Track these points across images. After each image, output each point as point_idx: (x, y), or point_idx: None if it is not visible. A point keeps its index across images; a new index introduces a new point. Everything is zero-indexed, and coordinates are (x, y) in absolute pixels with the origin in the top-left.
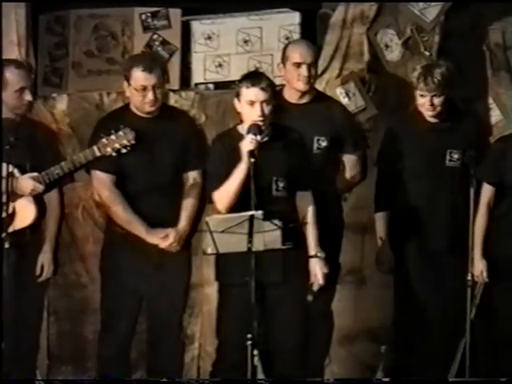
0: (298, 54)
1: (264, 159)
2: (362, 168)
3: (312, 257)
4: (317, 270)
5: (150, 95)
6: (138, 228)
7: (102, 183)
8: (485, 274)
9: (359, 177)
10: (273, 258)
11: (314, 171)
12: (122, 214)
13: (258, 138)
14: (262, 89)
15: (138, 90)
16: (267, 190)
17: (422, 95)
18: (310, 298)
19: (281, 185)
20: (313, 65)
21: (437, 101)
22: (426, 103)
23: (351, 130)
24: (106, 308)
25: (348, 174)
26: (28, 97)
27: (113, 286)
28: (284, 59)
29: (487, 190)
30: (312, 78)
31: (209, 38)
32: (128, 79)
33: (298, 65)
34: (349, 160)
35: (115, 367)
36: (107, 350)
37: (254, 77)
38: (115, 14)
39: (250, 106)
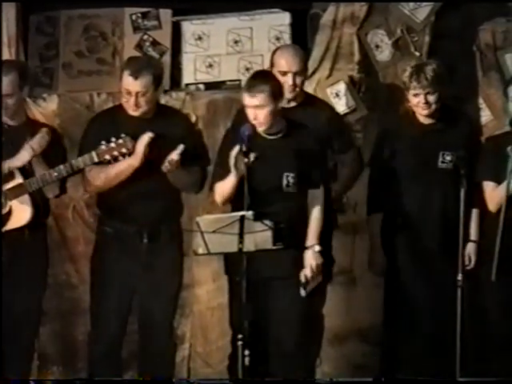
0: (284, 62)
1: (276, 156)
2: (359, 165)
3: (307, 248)
4: (308, 261)
5: (131, 100)
6: (126, 164)
7: (95, 175)
8: (473, 257)
9: (357, 173)
10: (268, 255)
11: (325, 168)
12: (107, 172)
13: (248, 139)
14: (252, 96)
15: (124, 93)
16: (278, 186)
17: (415, 94)
18: (302, 292)
19: (291, 181)
20: (300, 73)
21: (431, 98)
22: (420, 102)
23: (341, 129)
24: (95, 308)
25: (345, 174)
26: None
27: (102, 285)
28: (271, 65)
29: (489, 187)
30: (298, 87)
31: (199, 38)
32: (121, 83)
33: (284, 73)
34: (344, 159)
35: (106, 367)
36: (98, 350)
37: (250, 80)
38: (105, 14)
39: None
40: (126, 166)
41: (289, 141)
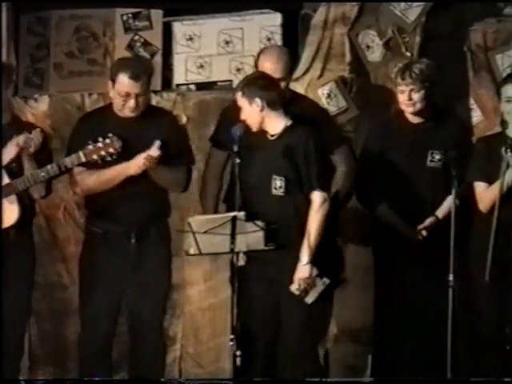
0: (267, 67)
1: (268, 156)
2: (353, 162)
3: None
4: (295, 274)
5: (131, 102)
6: (116, 170)
7: (84, 177)
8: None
9: (353, 171)
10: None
11: (320, 172)
12: (100, 176)
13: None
14: (241, 95)
15: (122, 95)
16: (267, 189)
17: (401, 91)
18: (307, 300)
19: (278, 184)
20: (283, 78)
21: (415, 96)
22: (405, 99)
23: (330, 125)
24: (85, 309)
25: (342, 174)
26: None
27: (91, 286)
28: (256, 67)
29: (480, 188)
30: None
31: (190, 39)
32: (114, 81)
33: None
34: (337, 158)
35: (96, 368)
36: (88, 351)
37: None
38: (96, 14)
39: None
40: (120, 171)
41: (282, 141)
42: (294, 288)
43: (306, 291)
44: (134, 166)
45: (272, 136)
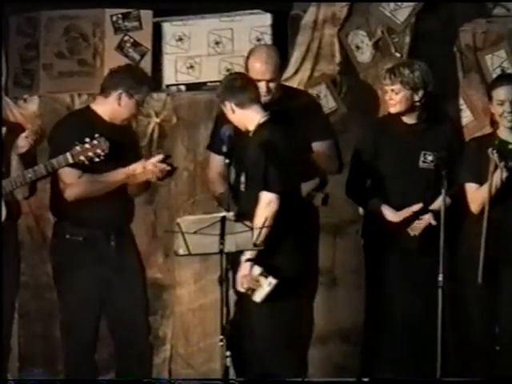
0: (257, 69)
1: (247, 152)
2: (337, 156)
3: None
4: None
5: None
6: (106, 179)
7: (70, 178)
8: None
9: (335, 164)
10: None
11: (275, 172)
12: (90, 182)
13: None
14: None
15: (141, 105)
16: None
17: (385, 90)
18: (255, 298)
19: (242, 180)
20: (273, 79)
21: (396, 97)
22: (387, 99)
23: (319, 115)
24: (66, 316)
25: (321, 162)
26: None
27: (72, 293)
28: (246, 70)
29: (471, 189)
30: (272, 91)
31: (180, 39)
32: (132, 93)
33: (258, 80)
34: (320, 147)
35: (81, 371)
36: (70, 355)
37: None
38: (86, 15)
39: None
40: (120, 178)
41: (254, 138)
42: (238, 286)
43: (251, 290)
44: (142, 175)
45: (250, 133)
